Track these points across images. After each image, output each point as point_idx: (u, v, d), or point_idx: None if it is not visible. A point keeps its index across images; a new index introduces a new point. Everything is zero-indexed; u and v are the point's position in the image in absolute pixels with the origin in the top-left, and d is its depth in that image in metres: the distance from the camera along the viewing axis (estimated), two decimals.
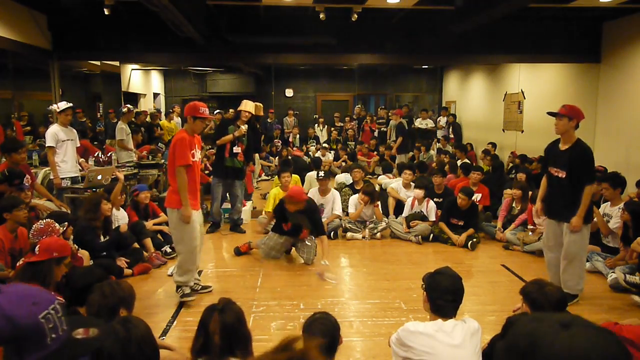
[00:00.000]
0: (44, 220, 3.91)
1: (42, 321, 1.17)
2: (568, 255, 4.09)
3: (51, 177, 6.03)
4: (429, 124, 12.07)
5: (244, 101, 6.55)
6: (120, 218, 5.40)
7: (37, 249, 2.96)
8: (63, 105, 5.86)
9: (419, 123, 12.12)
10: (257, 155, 8.98)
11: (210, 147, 8.59)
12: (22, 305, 1.17)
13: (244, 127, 6.27)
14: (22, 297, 1.20)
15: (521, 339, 0.89)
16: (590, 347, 0.82)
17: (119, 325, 1.80)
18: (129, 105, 8.13)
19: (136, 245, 5.19)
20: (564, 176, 4.04)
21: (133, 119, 9.66)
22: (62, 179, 5.79)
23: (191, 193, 4.08)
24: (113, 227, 5.05)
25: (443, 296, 2.35)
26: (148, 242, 5.31)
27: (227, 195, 6.65)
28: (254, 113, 6.51)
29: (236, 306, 2.22)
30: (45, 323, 1.18)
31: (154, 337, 1.92)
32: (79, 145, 6.16)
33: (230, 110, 11.57)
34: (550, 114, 4.13)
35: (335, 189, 7.14)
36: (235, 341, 2.09)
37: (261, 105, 6.97)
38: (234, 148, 6.33)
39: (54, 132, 5.74)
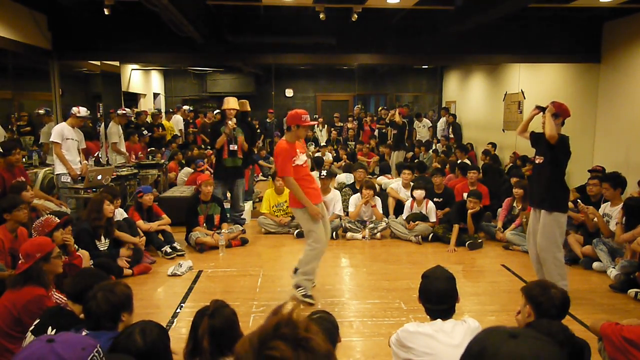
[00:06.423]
0: (44, 217, 3.92)
1: None
2: (540, 248, 4.12)
3: (52, 175, 6.05)
4: (427, 124, 12.08)
5: (226, 99, 6.60)
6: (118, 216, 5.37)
7: (20, 257, 2.96)
8: (84, 112, 5.95)
9: (416, 126, 12.14)
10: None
11: (208, 147, 8.62)
12: (74, 351, 1.40)
13: (231, 122, 6.31)
14: (73, 344, 1.43)
15: (474, 345, 0.97)
16: (532, 356, 0.88)
17: (137, 336, 1.94)
18: (126, 110, 8.13)
19: (136, 240, 5.14)
20: (542, 161, 4.20)
21: (133, 119, 9.65)
22: (62, 175, 5.81)
23: (309, 189, 4.17)
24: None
25: (430, 300, 2.35)
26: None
27: (228, 195, 6.69)
28: (239, 109, 6.55)
29: (228, 310, 2.19)
30: None
31: (169, 345, 2.03)
32: (84, 147, 6.20)
33: (216, 111, 11.65)
34: (539, 107, 4.41)
35: (336, 188, 7.14)
36: (225, 345, 2.08)
37: (246, 101, 7.03)
38: (230, 146, 6.40)
39: (61, 129, 5.83)
